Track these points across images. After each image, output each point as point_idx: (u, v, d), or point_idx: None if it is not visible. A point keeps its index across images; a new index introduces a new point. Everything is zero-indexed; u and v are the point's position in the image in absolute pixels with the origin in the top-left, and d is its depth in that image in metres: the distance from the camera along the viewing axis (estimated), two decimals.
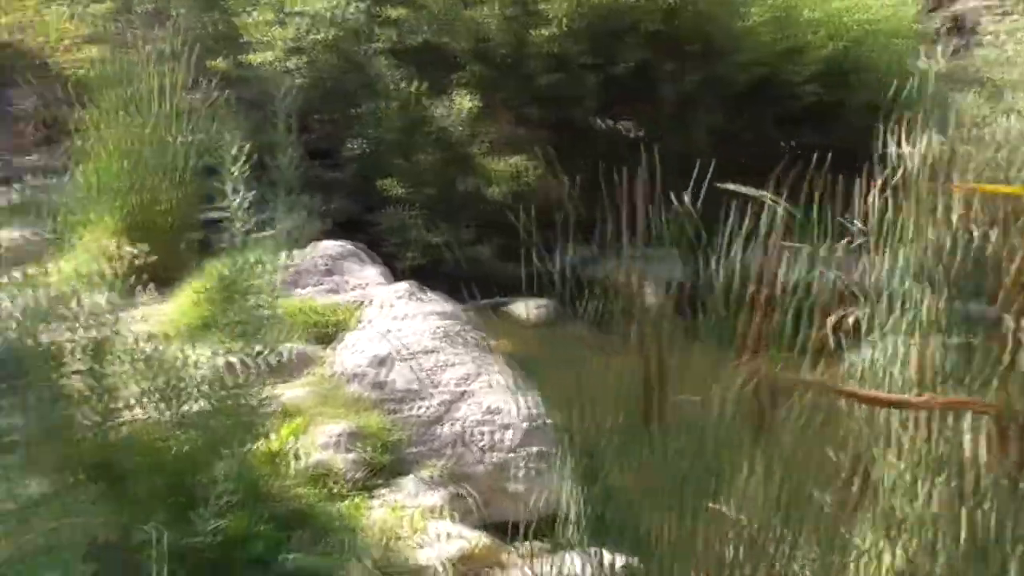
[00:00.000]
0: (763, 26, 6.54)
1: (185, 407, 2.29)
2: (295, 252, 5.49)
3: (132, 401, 2.28)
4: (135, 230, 5.69)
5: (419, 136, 6.38)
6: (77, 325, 2.43)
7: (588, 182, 2.46)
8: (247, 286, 2.46)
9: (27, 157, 7.53)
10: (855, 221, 1.95)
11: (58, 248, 5.87)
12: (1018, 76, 6.18)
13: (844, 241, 1.95)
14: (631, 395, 1.87)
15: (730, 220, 1.85)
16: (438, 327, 3.65)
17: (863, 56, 6.83)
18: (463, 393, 3.31)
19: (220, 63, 6.45)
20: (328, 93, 6.65)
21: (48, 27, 5.62)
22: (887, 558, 1.74)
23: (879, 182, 1.93)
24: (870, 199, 1.94)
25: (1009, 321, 1.67)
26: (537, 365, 3.93)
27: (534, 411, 3.18)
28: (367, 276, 4.54)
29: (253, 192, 2.59)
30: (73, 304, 2.60)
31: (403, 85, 6.35)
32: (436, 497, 2.92)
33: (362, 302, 4.23)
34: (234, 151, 2.55)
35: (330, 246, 4.76)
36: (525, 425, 3.12)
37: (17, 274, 5.28)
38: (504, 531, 2.81)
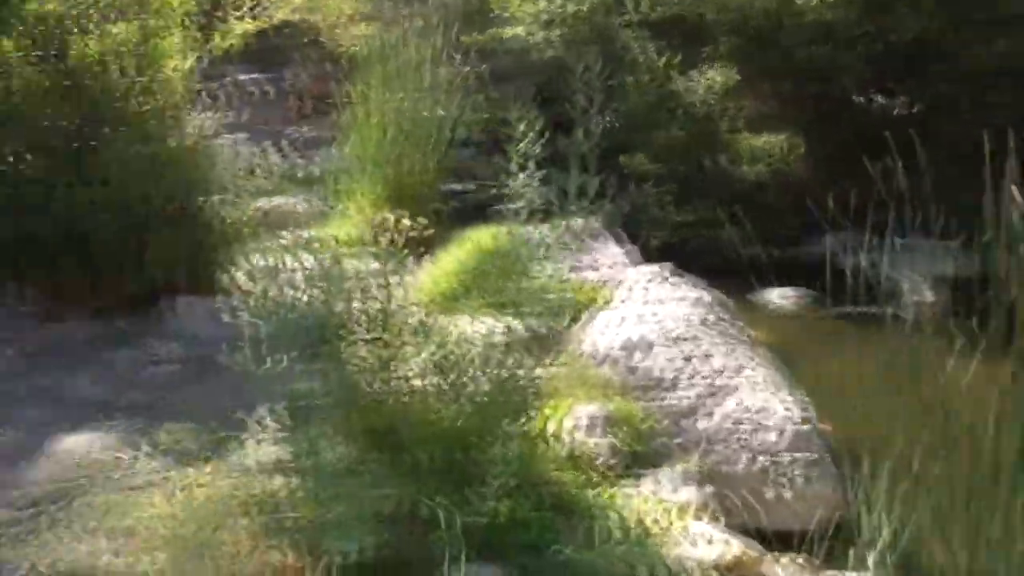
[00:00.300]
0: None
1: (463, 380, 2.31)
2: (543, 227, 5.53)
3: (412, 371, 2.34)
4: (391, 200, 6.00)
5: (665, 111, 6.19)
6: (360, 295, 2.55)
7: (847, 164, 2.21)
8: (526, 262, 2.44)
9: (299, 130, 8.16)
10: None
11: (327, 216, 6.33)
12: None
13: None
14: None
15: None
16: (694, 313, 3.49)
17: None
18: (722, 386, 3.14)
19: (474, 37, 6.59)
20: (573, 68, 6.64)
21: (328, 7, 6.01)
22: None
23: None
24: None
25: None
26: (803, 361, 3.69)
27: (802, 412, 2.97)
28: (614, 255, 4.46)
29: (536, 169, 2.56)
30: (352, 271, 2.74)
31: (651, 58, 6.18)
32: (692, 494, 2.79)
33: (609, 281, 4.16)
34: (521, 127, 2.53)
35: (576, 222, 4.72)
36: (792, 427, 2.90)
37: (291, 238, 5.66)
38: (765, 540, 2.64)
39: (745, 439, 2.94)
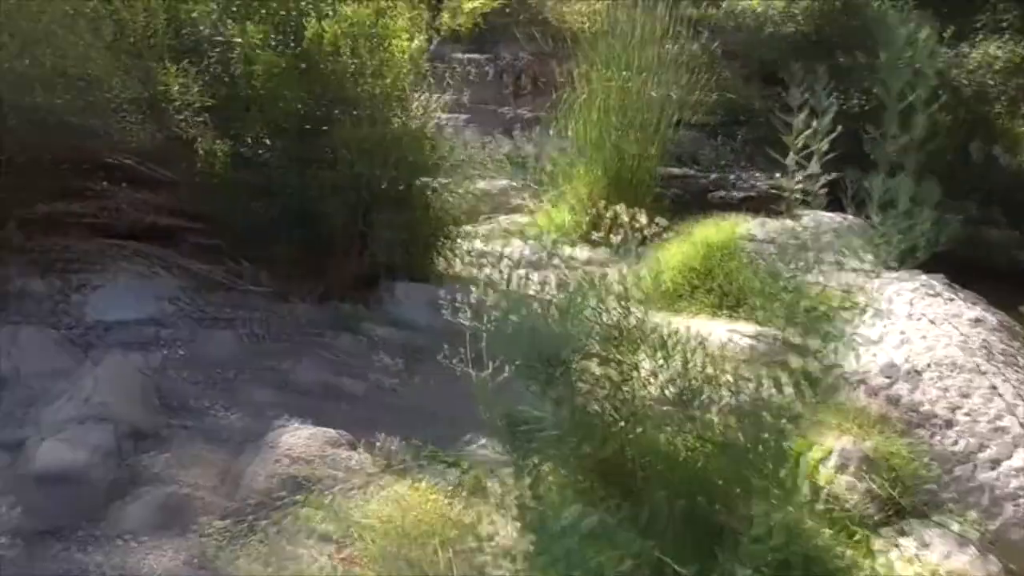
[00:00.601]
0: None
1: (707, 407, 2.00)
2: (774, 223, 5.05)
3: (649, 393, 2.06)
4: (609, 186, 5.73)
5: (922, 91, 5.46)
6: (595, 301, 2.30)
7: None
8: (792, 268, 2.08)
9: (516, 110, 8.07)
10: None
11: (541, 200, 6.17)
12: None
13: None
14: None
15: None
16: (973, 336, 2.95)
17: None
18: (1010, 430, 2.61)
19: (704, 12, 6.15)
20: (817, 43, 6.02)
21: None
22: None
23: None
24: None
25: None
26: None
27: None
28: (865, 257, 3.92)
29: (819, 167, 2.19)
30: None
31: (911, 31, 5.45)
32: (969, 563, 2.33)
33: (859, 290, 3.65)
34: (800, 118, 2.17)
35: (823, 218, 4.23)
36: None
37: (506, 223, 5.53)
38: None
39: None
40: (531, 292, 2.30)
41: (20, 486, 2.36)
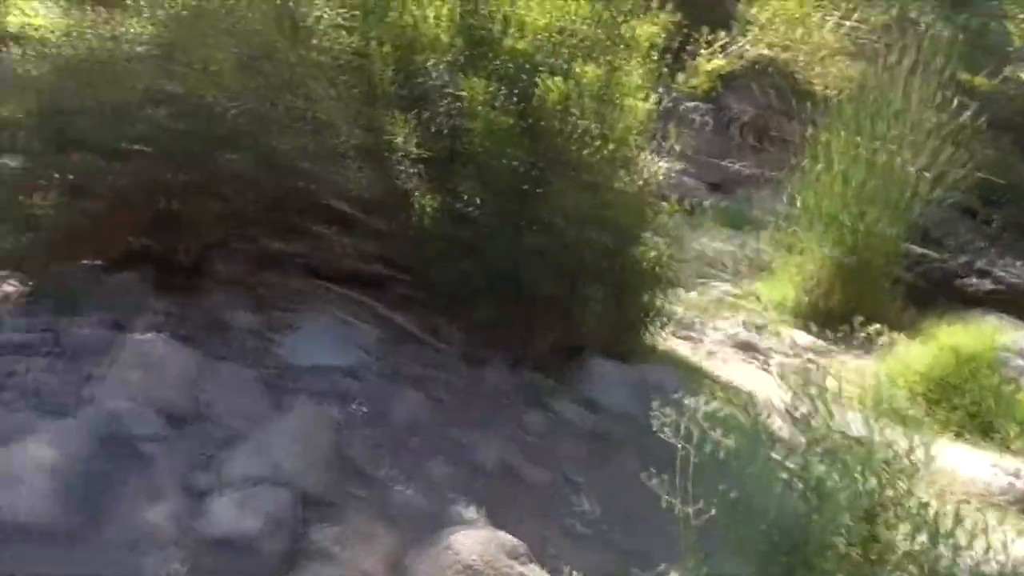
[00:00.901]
0: None
1: None
2: None
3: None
4: (839, 264, 5.16)
5: None
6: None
7: None
8: None
9: (737, 163, 7.59)
10: None
11: (762, 269, 5.69)
12: None
13: None
14: None
15: None
16: None
17: None
18: None
19: (978, 79, 5.44)
20: None
21: (809, 42, 5.35)
22: None
23: None
24: None
25: None
26: None
27: None
28: None
29: None
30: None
31: None
32: None
33: None
34: None
35: None
36: None
37: (720, 291, 5.07)
38: None
39: None
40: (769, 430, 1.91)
41: (195, 545, 2.30)
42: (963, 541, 1.67)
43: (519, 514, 2.64)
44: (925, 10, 6.47)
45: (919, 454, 1.68)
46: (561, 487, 2.89)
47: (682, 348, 4.33)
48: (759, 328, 4.96)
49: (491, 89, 3.13)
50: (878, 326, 3.79)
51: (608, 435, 3.18)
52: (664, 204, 3.84)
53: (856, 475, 1.61)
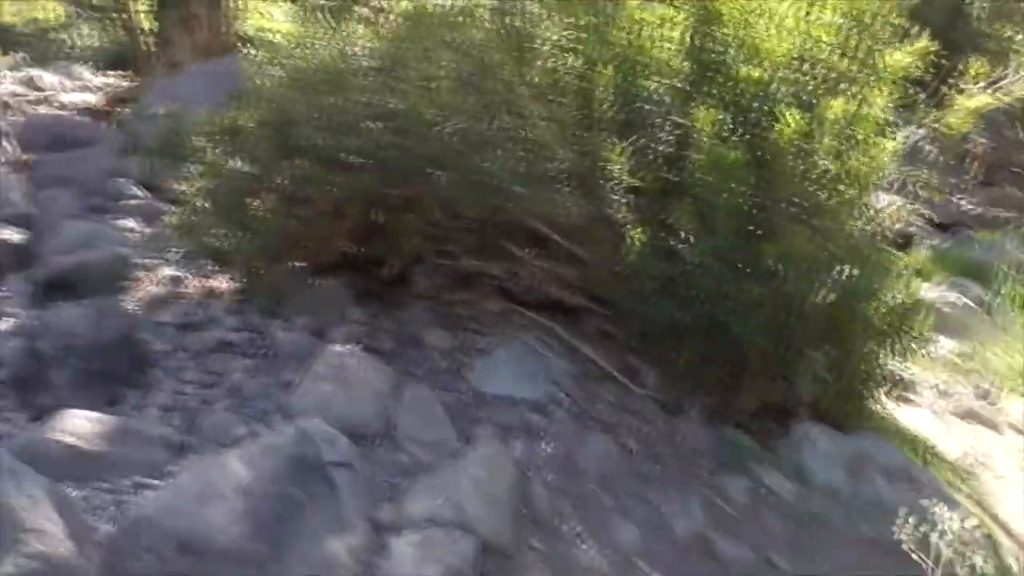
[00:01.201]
0: None
1: None
2: None
3: None
4: None
5: None
6: None
7: None
8: None
9: (967, 200, 6.84)
10: None
11: (992, 327, 5.04)
12: None
13: None
14: None
15: None
16: None
17: None
18: None
19: None
20: None
21: None
22: None
23: None
24: None
25: None
26: None
27: None
28: None
29: None
30: None
31: None
32: None
33: None
34: None
35: None
36: None
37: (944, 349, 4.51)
38: None
39: None
40: None
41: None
42: None
43: None
44: None
45: None
46: (762, 570, 2.59)
47: (900, 413, 3.85)
48: (987, 395, 4.37)
49: (719, 119, 2.86)
50: None
51: (819, 515, 2.83)
52: (900, 253, 3.40)
53: None
